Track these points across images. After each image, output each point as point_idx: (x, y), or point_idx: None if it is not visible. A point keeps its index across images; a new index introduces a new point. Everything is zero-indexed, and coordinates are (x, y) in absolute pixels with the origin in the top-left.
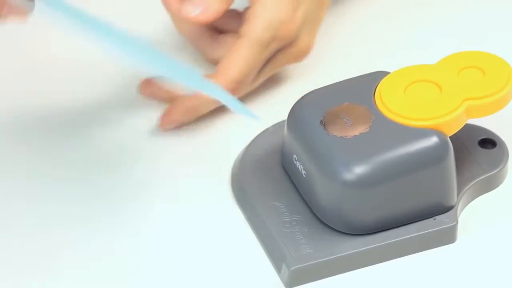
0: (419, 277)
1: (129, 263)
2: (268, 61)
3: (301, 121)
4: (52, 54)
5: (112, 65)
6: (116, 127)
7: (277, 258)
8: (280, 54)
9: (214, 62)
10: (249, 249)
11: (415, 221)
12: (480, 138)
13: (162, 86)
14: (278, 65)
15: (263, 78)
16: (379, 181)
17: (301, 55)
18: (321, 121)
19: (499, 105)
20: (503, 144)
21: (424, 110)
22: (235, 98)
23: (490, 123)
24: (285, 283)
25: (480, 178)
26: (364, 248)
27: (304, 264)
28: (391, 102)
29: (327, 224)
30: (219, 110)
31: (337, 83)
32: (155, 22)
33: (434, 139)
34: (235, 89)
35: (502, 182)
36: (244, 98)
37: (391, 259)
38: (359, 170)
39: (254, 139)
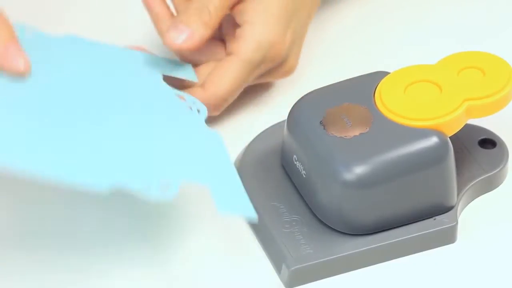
0: (419, 277)
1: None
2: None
3: (301, 121)
4: None
5: None
6: None
7: (277, 259)
8: (267, 73)
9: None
10: (249, 249)
11: (415, 221)
12: (480, 138)
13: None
14: (262, 81)
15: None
16: (379, 181)
17: (287, 74)
18: (321, 121)
19: (499, 105)
20: (503, 144)
21: (424, 110)
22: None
23: (490, 123)
24: (285, 284)
25: (480, 178)
26: (364, 248)
27: (304, 264)
28: (391, 102)
29: (327, 224)
30: None
31: (337, 83)
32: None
33: (434, 139)
34: (219, 105)
35: (502, 182)
36: (244, 98)
37: (391, 259)
38: (359, 170)
39: (254, 139)
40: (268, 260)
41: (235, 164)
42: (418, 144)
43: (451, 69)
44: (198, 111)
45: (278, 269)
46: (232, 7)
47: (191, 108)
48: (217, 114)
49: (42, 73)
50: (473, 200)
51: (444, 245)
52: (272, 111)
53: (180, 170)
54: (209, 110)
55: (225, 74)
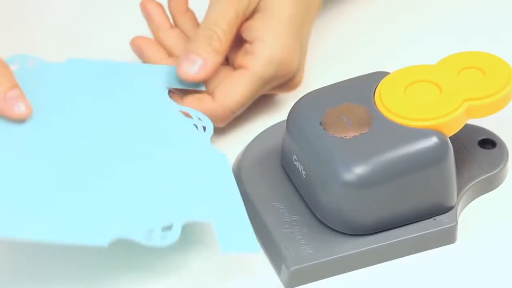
0: (419, 277)
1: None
2: None
3: (301, 122)
4: None
5: None
6: None
7: (276, 259)
8: (275, 87)
9: None
10: None
11: (415, 222)
12: (480, 139)
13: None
14: (269, 93)
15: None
16: (379, 181)
17: (294, 88)
18: (321, 121)
19: (499, 106)
20: (503, 144)
21: (424, 111)
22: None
23: (490, 123)
24: (285, 284)
25: (480, 179)
26: (364, 249)
27: (304, 265)
28: (391, 103)
29: (326, 225)
30: None
31: (337, 83)
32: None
33: (434, 140)
34: (226, 117)
35: (502, 183)
36: None
37: (391, 259)
38: (359, 170)
39: (254, 139)
40: (268, 260)
41: (234, 164)
42: (418, 144)
43: (451, 69)
44: (204, 128)
45: (278, 269)
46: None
47: (196, 126)
48: (223, 126)
49: (43, 111)
50: (473, 200)
51: (444, 245)
52: (272, 111)
53: (183, 208)
54: (215, 121)
55: (235, 87)
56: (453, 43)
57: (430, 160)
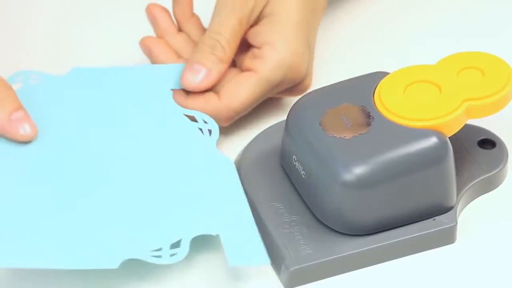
0: (419, 277)
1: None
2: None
3: (301, 122)
4: None
5: None
6: None
7: (276, 259)
8: (283, 91)
9: None
10: None
11: (415, 222)
12: (479, 139)
13: None
14: (277, 96)
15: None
16: (378, 181)
17: (302, 92)
18: (321, 121)
19: (499, 106)
20: (502, 144)
21: (424, 111)
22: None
23: (489, 123)
24: (284, 284)
25: (479, 179)
26: (364, 249)
27: (304, 265)
28: (390, 103)
29: (326, 225)
30: None
31: (336, 83)
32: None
33: (433, 140)
34: (231, 117)
35: (501, 183)
36: None
37: (390, 259)
38: (359, 170)
39: (253, 139)
40: None
41: (234, 164)
42: (417, 145)
43: (451, 69)
44: (210, 132)
45: (278, 269)
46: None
47: (202, 130)
48: (227, 125)
49: (48, 128)
50: (472, 200)
51: (443, 246)
52: (271, 111)
53: (190, 223)
54: (219, 120)
55: (241, 88)
56: (453, 43)
57: (430, 160)
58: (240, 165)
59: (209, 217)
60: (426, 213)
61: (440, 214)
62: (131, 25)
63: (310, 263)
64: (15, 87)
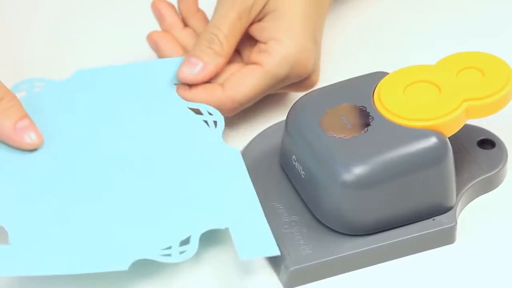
0: (418, 277)
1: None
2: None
3: (300, 122)
4: None
5: None
6: None
7: (276, 259)
8: (290, 86)
9: None
10: None
11: (414, 222)
12: (479, 139)
13: None
14: (283, 91)
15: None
16: (378, 182)
17: (309, 88)
18: (320, 121)
19: (498, 106)
20: (502, 144)
21: (423, 111)
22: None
23: (489, 123)
24: (284, 284)
25: (479, 179)
26: (363, 249)
27: (303, 265)
28: (390, 103)
29: (326, 225)
30: None
31: (336, 83)
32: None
33: (433, 140)
34: (234, 108)
35: (501, 183)
36: None
37: (390, 259)
38: (358, 171)
39: (253, 139)
40: (267, 261)
41: None
42: (417, 145)
43: (450, 69)
44: (215, 123)
45: (277, 269)
46: (248, 26)
47: (207, 122)
48: (230, 115)
49: (53, 135)
50: (472, 200)
51: (443, 246)
52: (271, 111)
53: (199, 219)
54: (223, 111)
55: (246, 80)
56: (452, 43)
57: (429, 160)
58: None
59: (217, 210)
60: (425, 213)
61: (440, 214)
62: (136, 22)
63: (309, 263)
64: (19, 95)
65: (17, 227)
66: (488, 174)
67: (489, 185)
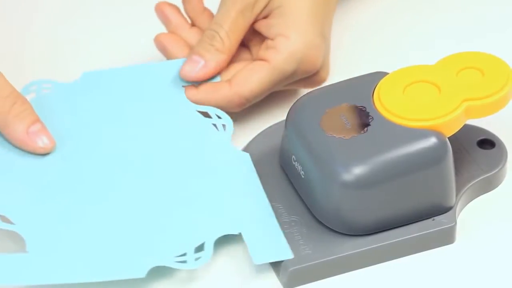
0: (418, 278)
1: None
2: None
3: (300, 122)
4: None
5: None
6: None
7: None
8: (297, 82)
9: None
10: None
11: (414, 222)
12: (479, 139)
13: None
14: (291, 88)
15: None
16: (377, 182)
17: (318, 84)
18: (320, 121)
19: (498, 106)
20: (502, 144)
21: (423, 111)
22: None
23: (489, 123)
24: (284, 284)
25: (479, 179)
26: (363, 249)
27: (303, 265)
28: (389, 103)
29: (325, 225)
30: None
31: (336, 83)
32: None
33: (432, 140)
34: (241, 104)
35: (501, 183)
36: None
37: (389, 259)
38: (358, 171)
39: (253, 139)
40: None
41: None
42: (416, 145)
43: (450, 69)
44: (224, 126)
45: (277, 269)
46: (254, 22)
47: (216, 125)
48: (238, 111)
49: (64, 138)
50: (472, 200)
51: (443, 246)
52: (271, 111)
53: (213, 224)
54: (230, 107)
55: (253, 76)
56: (452, 43)
57: (429, 160)
58: None
59: (230, 215)
60: (425, 213)
61: (440, 214)
62: (139, 22)
63: (309, 263)
64: (28, 97)
65: (33, 234)
66: (488, 174)
67: (489, 185)
